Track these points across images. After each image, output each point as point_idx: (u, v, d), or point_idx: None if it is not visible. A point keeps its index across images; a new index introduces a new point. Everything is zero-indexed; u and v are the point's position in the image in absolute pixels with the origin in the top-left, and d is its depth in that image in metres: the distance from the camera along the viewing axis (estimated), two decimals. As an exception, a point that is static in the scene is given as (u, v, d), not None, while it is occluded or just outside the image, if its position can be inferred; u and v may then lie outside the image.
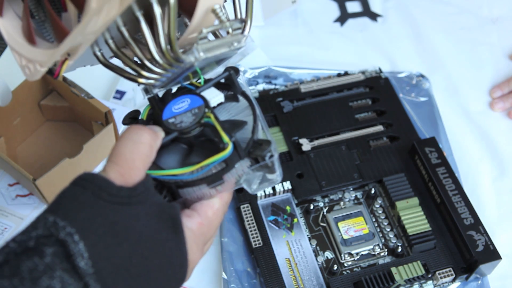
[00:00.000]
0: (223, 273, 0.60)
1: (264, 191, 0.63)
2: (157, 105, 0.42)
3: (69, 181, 0.35)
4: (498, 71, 0.79)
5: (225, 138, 0.39)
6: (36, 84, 0.68)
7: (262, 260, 0.59)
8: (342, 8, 0.87)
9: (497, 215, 0.66)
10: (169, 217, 0.37)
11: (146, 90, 0.42)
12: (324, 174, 0.65)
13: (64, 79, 0.66)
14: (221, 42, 0.40)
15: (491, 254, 0.58)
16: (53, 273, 0.31)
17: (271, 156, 0.40)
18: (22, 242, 0.32)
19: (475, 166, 0.71)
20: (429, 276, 0.58)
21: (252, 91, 0.73)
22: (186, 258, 0.37)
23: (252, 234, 0.61)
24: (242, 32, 0.42)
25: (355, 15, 0.86)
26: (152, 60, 0.39)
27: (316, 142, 0.68)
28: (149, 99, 0.42)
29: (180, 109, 0.41)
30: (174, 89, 0.44)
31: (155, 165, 0.40)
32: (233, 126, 0.40)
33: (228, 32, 0.41)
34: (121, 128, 0.70)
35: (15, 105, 0.66)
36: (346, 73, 0.75)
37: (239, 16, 0.43)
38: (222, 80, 0.44)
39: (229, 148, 0.38)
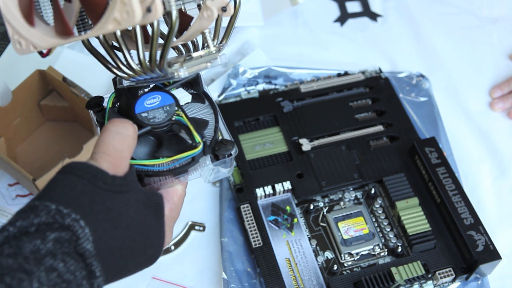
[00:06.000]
0: (223, 273, 0.60)
1: (264, 191, 0.63)
2: (128, 96, 0.45)
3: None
4: (498, 71, 0.79)
5: (197, 138, 0.43)
6: (36, 84, 0.68)
7: (262, 260, 0.59)
8: (342, 8, 0.87)
9: (497, 215, 0.66)
10: (154, 204, 0.41)
11: (118, 82, 0.45)
12: (324, 174, 0.65)
13: (64, 79, 0.65)
14: (201, 62, 0.43)
15: (491, 254, 0.58)
16: (56, 255, 0.34)
17: (230, 155, 0.45)
18: (22, 227, 0.34)
19: (475, 166, 0.71)
20: (429, 276, 0.58)
21: (252, 91, 0.73)
22: (164, 240, 0.42)
23: (252, 234, 0.61)
24: (218, 51, 0.45)
25: (355, 15, 0.86)
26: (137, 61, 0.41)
27: (316, 142, 0.68)
28: (119, 89, 0.46)
29: (152, 105, 0.45)
30: None
31: None
32: (198, 124, 0.45)
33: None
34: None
35: (15, 105, 0.66)
36: (346, 73, 0.75)
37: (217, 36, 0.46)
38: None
39: (200, 146, 0.43)
